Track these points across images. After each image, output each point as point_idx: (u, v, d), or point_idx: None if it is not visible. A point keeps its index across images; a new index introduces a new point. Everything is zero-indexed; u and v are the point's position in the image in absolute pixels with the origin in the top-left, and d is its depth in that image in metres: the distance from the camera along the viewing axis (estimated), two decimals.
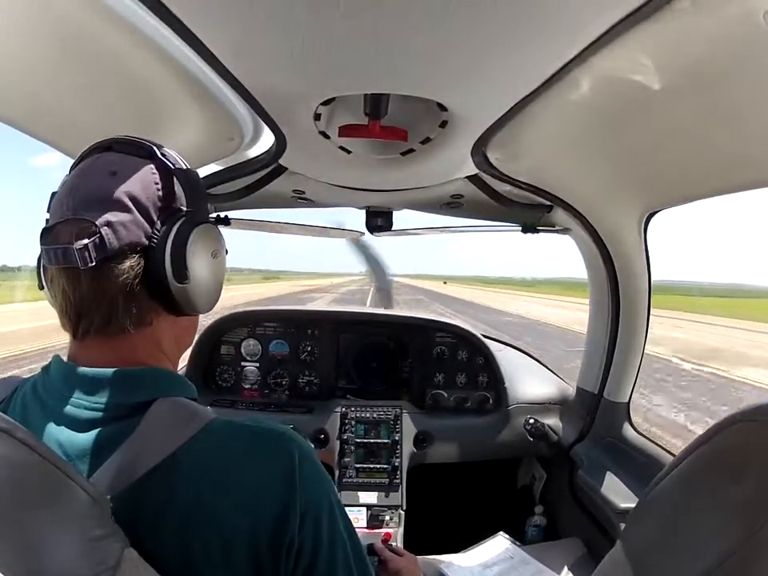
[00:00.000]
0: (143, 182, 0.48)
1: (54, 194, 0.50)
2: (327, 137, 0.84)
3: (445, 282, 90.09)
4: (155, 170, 0.49)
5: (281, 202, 1.42)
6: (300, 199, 1.38)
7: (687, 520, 0.47)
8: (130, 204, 0.46)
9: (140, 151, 0.50)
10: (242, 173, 1.09)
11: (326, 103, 0.71)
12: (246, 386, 1.68)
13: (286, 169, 1.10)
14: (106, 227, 0.44)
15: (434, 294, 39.09)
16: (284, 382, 1.69)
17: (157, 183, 0.48)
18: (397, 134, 0.81)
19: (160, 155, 0.50)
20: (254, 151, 1.02)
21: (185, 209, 0.50)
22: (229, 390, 1.67)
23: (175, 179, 0.50)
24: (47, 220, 0.49)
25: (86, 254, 0.43)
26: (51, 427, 0.45)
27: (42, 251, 0.47)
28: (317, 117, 0.75)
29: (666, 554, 0.48)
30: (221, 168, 1.08)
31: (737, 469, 0.44)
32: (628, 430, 1.35)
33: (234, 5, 0.47)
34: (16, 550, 0.34)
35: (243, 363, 1.68)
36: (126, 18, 0.56)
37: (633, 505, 0.59)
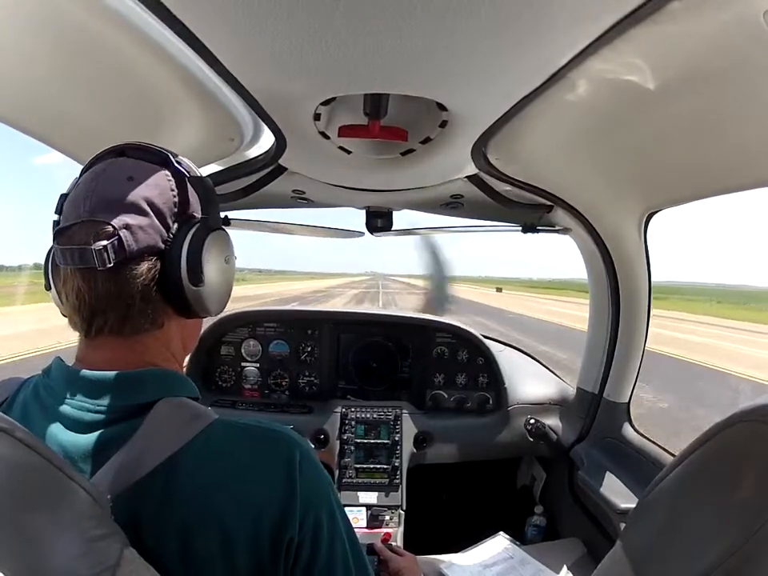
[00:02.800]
0: (159, 187, 0.49)
1: (63, 195, 0.50)
2: (327, 137, 0.84)
3: (499, 290, 57.24)
4: (170, 177, 0.50)
5: (281, 202, 1.42)
6: (300, 199, 1.39)
7: (687, 520, 0.47)
8: (147, 208, 0.47)
9: (155, 158, 0.51)
10: (242, 173, 1.09)
11: (325, 103, 0.71)
12: (247, 387, 1.68)
13: (286, 169, 1.10)
14: (124, 230, 0.45)
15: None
16: (284, 383, 1.69)
17: (173, 190, 0.50)
18: (397, 134, 0.81)
19: (175, 162, 0.51)
20: (254, 151, 1.02)
21: (199, 215, 0.52)
22: (229, 390, 1.67)
23: (189, 186, 0.51)
24: (56, 221, 0.49)
25: (105, 255, 0.44)
26: (53, 429, 0.45)
27: (55, 251, 0.47)
28: (317, 117, 0.75)
29: (665, 554, 0.48)
30: (221, 168, 1.08)
31: (737, 469, 0.44)
32: (628, 430, 1.35)
33: (234, 5, 0.47)
34: (16, 549, 0.34)
35: (243, 363, 1.68)
36: (127, 19, 0.56)
37: (633, 505, 0.59)
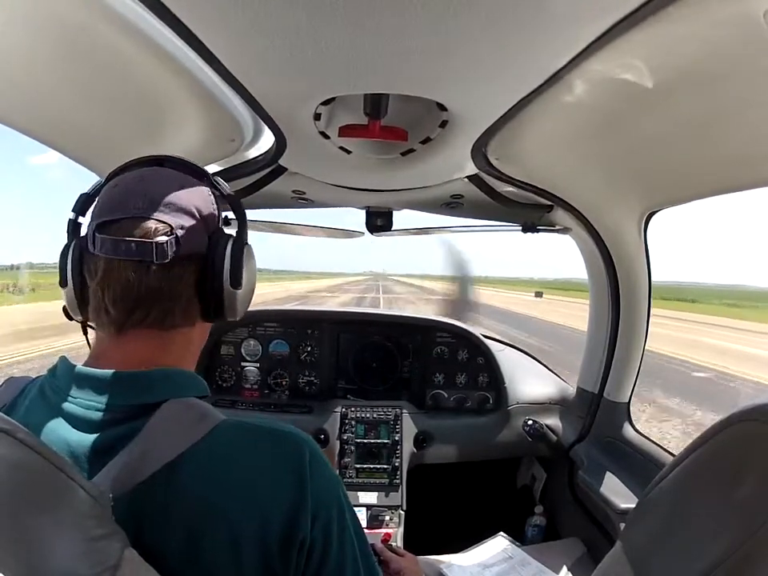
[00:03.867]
0: (204, 199, 0.53)
1: (85, 194, 0.54)
2: (327, 137, 0.84)
3: (539, 295, 44.50)
4: (210, 192, 0.55)
5: (281, 203, 1.42)
6: (300, 199, 1.39)
7: (687, 520, 0.47)
8: (197, 215, 0.51)
9: (196, 173, 0.55)
10: (242, 173, 1.09)
11: (325, 103, 0.71)
12: (246, 386, 1.68)
13: (286, 169, 1.10)
14: (181, 230, 0.49)
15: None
16: (284, 382, 1.69)
17: (213, 204, 0.54)
18: (397, 134, 0.81)
19: (213, 179, 0.56)
20: (254, 152, 1.02)
21: (230, 229, 0.56)
22: (229, 390, 1.67)
23: (225, 202, 0.56)
24: (72, 220, 0.53)
25: (166, 249, 0.47)
26: (59, 428, 0.45)
27: (100, 241, 0.48)
28: (317, 117, 0.75)
29: (665, 554, 0.48)
30: (221, 168, 1.09)
31: (737, 469, 0.44)
32: (628, 430, 1.35)
33: (234, 5, 0.47)
34: (16, 549, 0.34)
35: (243, 363, 1.68)
36: (127, 19, 0.56)
37: (633, 505, 0.59)
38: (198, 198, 0.52)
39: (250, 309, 0.56)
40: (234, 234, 0.56)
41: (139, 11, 0.53)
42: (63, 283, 0.52)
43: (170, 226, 0.48)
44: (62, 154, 0.87)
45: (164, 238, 0.47)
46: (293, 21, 0.49)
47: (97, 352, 0.50)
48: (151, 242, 0.46)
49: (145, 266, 0.47)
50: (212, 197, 0.54)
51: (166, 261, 0.47)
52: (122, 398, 0.46)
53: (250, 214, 1.43)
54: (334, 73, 0.61)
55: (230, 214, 0.58)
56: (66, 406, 0.46)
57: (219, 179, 0.57)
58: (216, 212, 0.54)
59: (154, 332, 0.50)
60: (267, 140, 0.95)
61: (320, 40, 0.53)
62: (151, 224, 0.48)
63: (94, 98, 0.75)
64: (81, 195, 0.54)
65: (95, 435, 0.45)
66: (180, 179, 0.52)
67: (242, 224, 0.58)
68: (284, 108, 0.73)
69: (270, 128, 0.82)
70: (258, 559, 0.43)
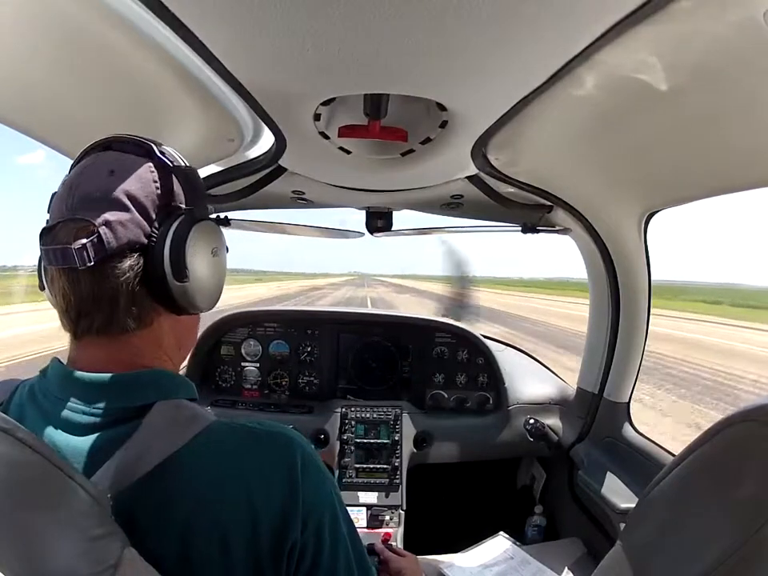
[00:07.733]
0: (141, 180, 0.47)
1: (54, 194, 0.50)
2: (327, 137, 0.84)
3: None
4: (153, 169, 0.49)
5: (281, 203, 1.42)
6: (300, 200, 1.39)
7: (687, 520, 0.47)
8: (128, 203, 0.46)
9: (138, 149, 0.50)
10: (241, 173, 1.09)
11: (325, 103, 0.71)
12: (247, 387, 1.68)
13: (286, 169, 1.10)
14: (104, 227, 0.44)
15: None
16: (284, 383, 1.69)
17: (155, 182, 0.48)
18: (397, 135, 0.81)
19: (158, 153, 0.50)
20: (254, 152, 1.02)
21: (184, 207, 0.50)
22: (229, 390, 1.67)
23: (174, 177, 0.50)
24: (47, 220, 0.49)
25: (85, 253, 0.43)
26: (48, 430, 0.45)
27: (41, 251, 0.47)
28: (317, 117, 0.75)
29: (665, 554, 0.48)
30: (221, 169, 1.09)
31: (737, 469, 0.44)
32: (628, 430, 1.35)
33: (233, 5, 0.47)
34: (16, 549, 0.34)
35: (243, 363, 1.68)
36: (126, 18, 0.56)
37: (633, 505, 0.59)
38: (132, 181, 0.46)
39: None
40: (183, 215, 0.49)
41: (139, 11, 0.53)
42: (41, 287, 0.51)
43: (92, 224, 0.44)
44: (64, 155, 0.87)
45: (83, 241, 0.43)
46: (293, 21, 0.49)
47: (70, 356, 0.50)
48: (71, 248, 0.43)
49: (75, 273, 0.45)
50: (155, 174, 0.48)
51: (91, 264, 0.43)
52: (109, 401, 0.45)
53: (251, 215, 1.44)
54: (334, 73, 0.61)
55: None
56: (56, 409, 0.45)
57: (168, 150, 0.51)
58: (162, 191, 0.48)
59: (105, 339, 0.47)
60: (267, 140, 0.95)
61: (320, 40, 0.53)
62: (73, 226, 0.44)
63: (95, 98, 0.75)
64: (52, 194, 0.50)
65: (86, 438, 0.44)
66: (115, 164, 0.47)
67: (193, 200, 0.51)
68: (284, 108, 0.73)
69: (269, 128, 0.82)
70: (248, 560, 0.43)
